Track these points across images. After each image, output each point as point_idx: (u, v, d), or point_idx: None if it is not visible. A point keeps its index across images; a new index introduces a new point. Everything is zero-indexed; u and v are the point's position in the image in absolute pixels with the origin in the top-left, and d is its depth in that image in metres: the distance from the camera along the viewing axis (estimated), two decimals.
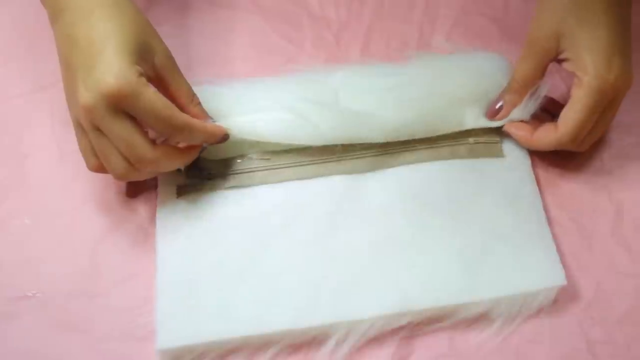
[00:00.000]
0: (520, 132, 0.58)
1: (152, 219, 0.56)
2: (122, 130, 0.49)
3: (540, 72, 0.57)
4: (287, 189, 0.56)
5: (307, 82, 0.59)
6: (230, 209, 0.55)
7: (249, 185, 0.56)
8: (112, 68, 0.48)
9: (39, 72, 0.62)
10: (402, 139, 0.58)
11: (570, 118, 0.54)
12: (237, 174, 0.56)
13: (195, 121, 0.52)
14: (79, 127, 0.51)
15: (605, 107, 0.54)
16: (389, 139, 0.57)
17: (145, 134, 0.50)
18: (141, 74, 0.49)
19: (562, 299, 0.53)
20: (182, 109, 0.53)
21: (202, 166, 0.56)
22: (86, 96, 0.48)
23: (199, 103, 0.55)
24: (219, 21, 0.66)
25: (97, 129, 0.49)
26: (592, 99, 0.53)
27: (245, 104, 0.57)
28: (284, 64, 0.64)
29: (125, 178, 0.52)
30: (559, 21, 0.54)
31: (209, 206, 0.55)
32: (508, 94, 0.58)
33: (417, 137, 0.58)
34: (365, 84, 0.59)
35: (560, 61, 0.56)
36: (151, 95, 0.49)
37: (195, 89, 0.55)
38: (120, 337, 0.52)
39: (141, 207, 0.57)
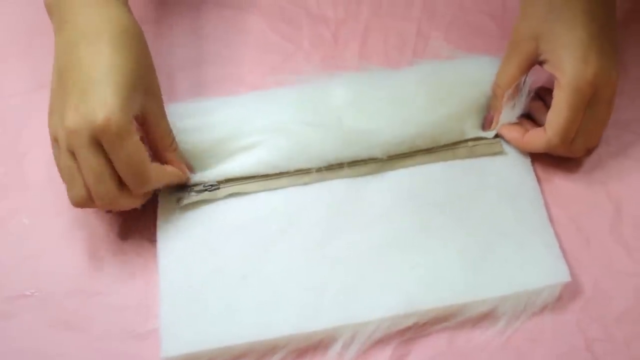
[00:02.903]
0: (512, 133, 0.58)
1: (151, 216, 0.56)
2: (96, 164, 0.49)
3: (522, 76, 0.57)
4: (287, 194, 0.56)
5: (307, 100, 0.59)
6: (231, 215, 0.55)
7: (249, 192, 0.56)
8: (107, 103, 0.48)
9: (38, 71, 0.62)
10: (403, 152, 0.58)
11: (554, 120, 0.54)
12: (236, 184, 0.56)
13: (155, 181, 0.52)
14: (56, 143, 0.51)
15: (588, 105, 0.54)
16: (390, 154, 0.57)
17: (114, 173, 0.50)
18: (133, 118, 0.49)
19: (561, 298, 0.53)
20: (159, 152, 0.54)
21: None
22: (73, 120, 0.48)
23: (176, 149, 0.55)
24: (216, 20, 0.66)
25: (72, 153, 0.49)
26: (571, 98, 0.53)
27: (245, 126, 0.57)
28: (282, 63, 0.64)
29: (79, 206, 0.52)
30: (538, 23, 0.54)
31: (210, 213, 0.55)
32: (493, 100, 0.59)
33: (417, 149, 0.58)
34: (365, 100, 0.58)
35: (541, 63, 0.56)
36: (133, 145, 0.49)
37: (196, 106, 0.57)
38: (119, 335, 0.52)
39: (140, 205, 0.56)
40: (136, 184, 0.51)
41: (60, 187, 0.57)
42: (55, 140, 0.51)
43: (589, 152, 0.58)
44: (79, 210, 0.56)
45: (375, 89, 0.59)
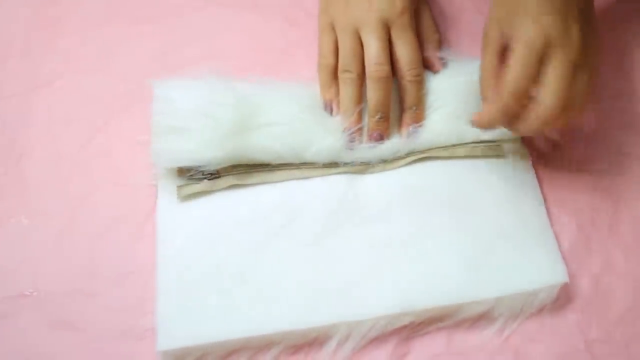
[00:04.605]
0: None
1: (150, 217, 0.56)
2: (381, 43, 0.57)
3: (500, 63, 0.54)
4: (288, 188, 0.56)
5: (313, 97, 0.59)
6: (231, 209, 0.55)
7: (249, 185, 0.56)
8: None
9: (36, 71, 0.62)
10: (403, 153, 0.58)
11: (506, 79, 0.52)
12: (237, 173, 0.56)
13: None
14: (331, 30, 0.59)
15: (545, 62, 0.51)
16: (392, 153, 0.58)
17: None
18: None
19: (560, 298, 0.53)
20: (421, 43, 0.61)
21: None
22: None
23: (437, 46, 0.62)
24: (215, 18, 0.66)
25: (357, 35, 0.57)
26: (521, 53, 0.51)
27: (254, 112, 0.57)
28: (281, 63, 0.64)
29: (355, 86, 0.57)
30: (503, 13, 0.54)
31: (210, 206, 0.55)
32: (481, 88, 0.57)
33: (417, 150, 0.58)
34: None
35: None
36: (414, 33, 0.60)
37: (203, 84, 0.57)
38: (118, 336, 0.52)
39: (139, 205, 0.57)
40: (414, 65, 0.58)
41: (59, 187, 0.57)
42: (333, 31, 0.59)
43: (575, 123, 0.58)
44: (77, 210, 0.56)
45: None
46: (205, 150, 0.54)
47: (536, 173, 0.58)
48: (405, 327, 0.52)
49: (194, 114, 0.55)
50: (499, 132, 0.58)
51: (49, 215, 0.56)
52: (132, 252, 0.55)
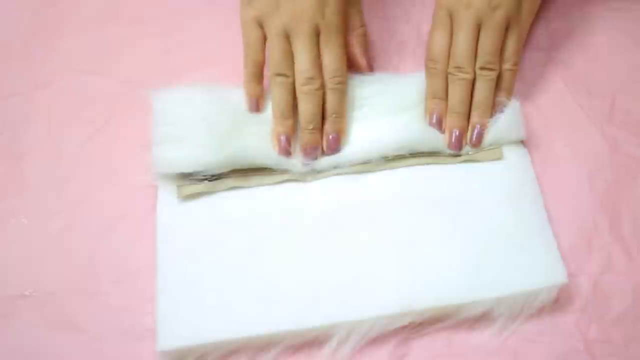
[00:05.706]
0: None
1: (150, 217, 0.56)
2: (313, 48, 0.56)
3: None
4: (288, 189, 0.56)
5: None
6: (231, 209, 0.55)
7: (249, 186, 0.56)
8: None
9: (36, 71, 0.63)
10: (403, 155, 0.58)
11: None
12: (237, 175, 0.56)
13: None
14: (260, 30, 0.57)
15: (453, 26, 0.59)
16: (389, 155, 0.58)
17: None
18: None
19: (560, 299, 0.53)
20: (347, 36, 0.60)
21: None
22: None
23: (361, 40, 0.61)
24: (215, 19, 0.66)
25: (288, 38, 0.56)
26: (433, 22, 0.60)
27: (251, 118, 0.57)
28: None
29: (283, 88, 0.57)
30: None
31: (210, 206, 0.55)
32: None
33: (418, 152, 0.58)
34: (367, 105, 0.59)
35: None
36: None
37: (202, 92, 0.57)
38: (118, 336, 0.52)
39: (139, 206, 0.57)
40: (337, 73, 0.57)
41: (59, 187, 0.57)
42: (260, 27, 0.57)
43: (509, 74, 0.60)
44: (77, 210, 0.57)
45: (377, 93, 0.59)
46: (204, 157, 0.55)
47: (536, 173, 0.58)
48: (405, 327, 0.52)
49: (192, 123, 0.56)
50: (500, 134, 0.58)
51: (49, 215, 0.56)
52: (132, 252, 0.55)
